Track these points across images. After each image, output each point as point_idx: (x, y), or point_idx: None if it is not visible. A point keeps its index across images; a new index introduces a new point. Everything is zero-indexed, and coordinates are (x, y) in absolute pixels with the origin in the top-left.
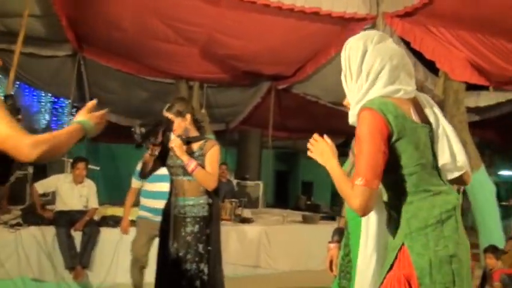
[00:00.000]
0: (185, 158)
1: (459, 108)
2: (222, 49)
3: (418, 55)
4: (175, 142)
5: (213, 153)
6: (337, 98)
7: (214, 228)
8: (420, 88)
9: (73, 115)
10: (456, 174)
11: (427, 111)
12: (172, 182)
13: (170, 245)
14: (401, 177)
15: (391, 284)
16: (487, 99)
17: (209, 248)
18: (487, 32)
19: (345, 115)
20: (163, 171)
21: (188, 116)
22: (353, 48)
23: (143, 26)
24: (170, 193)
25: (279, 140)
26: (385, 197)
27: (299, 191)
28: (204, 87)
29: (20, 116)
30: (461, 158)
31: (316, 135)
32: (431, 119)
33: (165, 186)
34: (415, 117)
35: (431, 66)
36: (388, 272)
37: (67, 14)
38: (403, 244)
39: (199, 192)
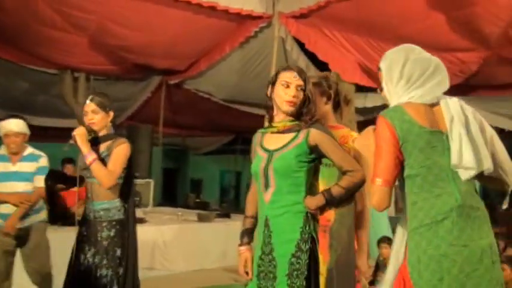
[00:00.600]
0: (85, 149)
1: (349, 108)
2: (113, 39)
3: (311, 56)
4: (78, 130)
5: (119, 150)
6: (230, 95)
7: (132, 231)
8: None
9: None
10: (469, 173)
11: (446, 117)
12: (86, 186)
13: (86, 250)
14: (408, 179)
15: (397, 279)
16: (373, 100)
17: (126, 251)
18: (378, 37)
19: (237, 113)
20: (13, 167)
21: (111, 114)
22: (394, 58)
23: (27, 8)
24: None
25: (168, 136)
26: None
27: (188, 189)
28: (90, 79)
29: None
30: (468, 158)
31: (370, 128)
32: (447, 124)
33: (16, 186)
34: (426, 122)
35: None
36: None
37: None
38: (406, 244)
39: (113, 194)
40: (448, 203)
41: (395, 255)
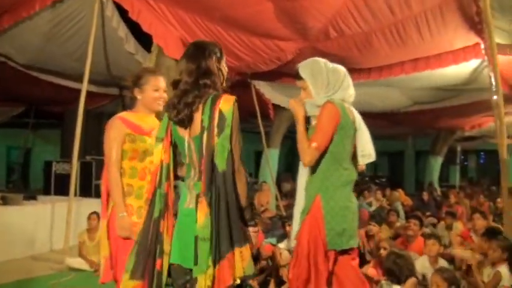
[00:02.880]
0: None
1: (170, 88)
2: None
3: (131, 27)
4: None
5: None
6: (33, 61)
7: None
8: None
9: None
10: (367, 161)
11: (357, 118)
12: None
13: None
14: (328, 152)
15: (309, 222)
16: None
17: None
18: (205, 16)
19: (35, 81)
20: None
21: None
22: (315, 68)
23: None
24: None
25: None
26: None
27: None
28: None
29: None
30: (372, 150)
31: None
32: (357, 124)
33: None
34: (352, 118)
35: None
36: (306, 214)
37: None
38: (316, 195)
39: None
40: (351, 175)
41: (300, 210)
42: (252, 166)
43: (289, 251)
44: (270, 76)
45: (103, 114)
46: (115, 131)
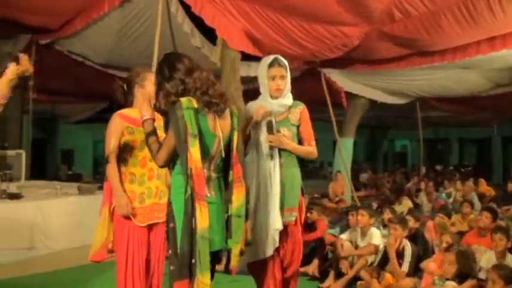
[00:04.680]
0: None
1: (235, 76)
2: None
3: (195, 21)
4: None
5: None
6: (107, 60)
7: None
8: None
9: None
10: None
11: None
12: None
13: None
14: None
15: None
16: (257, 69)
17: None
18: (265, 5)
19: (113, 79)
20: None
21: None
22: None
23: None
24: None
25: (37, 103)
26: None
27: (58, 160)
28: None
29: None
30: None
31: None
32: None
33: None
34: None
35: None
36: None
37: None
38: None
39: None
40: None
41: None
42: (329, 155)
43: (351, 242)
44: (341, 63)
45: None
46: (113, 125)
